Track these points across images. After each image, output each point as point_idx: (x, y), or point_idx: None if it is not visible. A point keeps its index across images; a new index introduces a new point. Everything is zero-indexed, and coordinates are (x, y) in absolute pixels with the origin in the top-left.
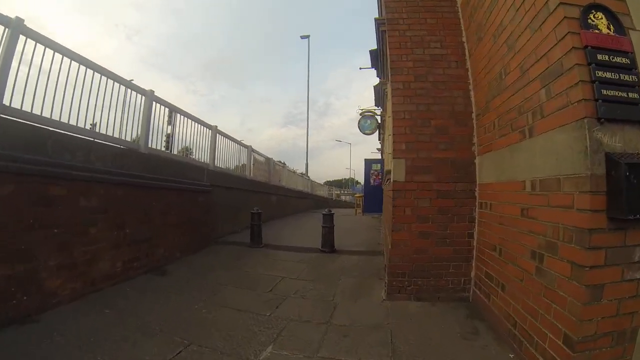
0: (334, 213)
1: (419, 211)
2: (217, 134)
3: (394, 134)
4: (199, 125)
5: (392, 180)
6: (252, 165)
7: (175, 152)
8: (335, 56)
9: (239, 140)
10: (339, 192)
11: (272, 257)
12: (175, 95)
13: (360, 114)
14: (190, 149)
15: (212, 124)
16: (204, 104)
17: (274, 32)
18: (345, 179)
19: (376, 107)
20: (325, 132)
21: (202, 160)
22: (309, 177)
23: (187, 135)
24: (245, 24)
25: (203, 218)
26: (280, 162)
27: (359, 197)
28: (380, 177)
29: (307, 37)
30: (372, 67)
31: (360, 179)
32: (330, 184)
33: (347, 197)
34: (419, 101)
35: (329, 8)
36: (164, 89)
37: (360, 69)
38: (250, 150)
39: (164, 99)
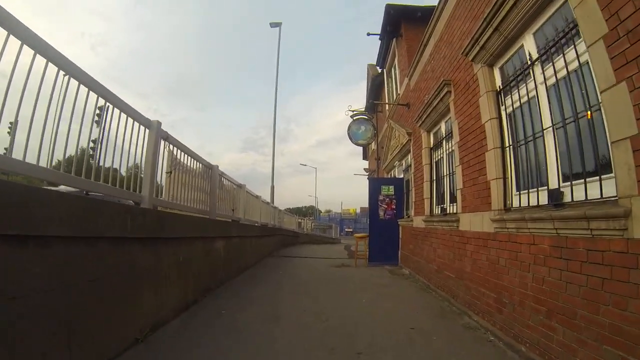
0: None
1: None
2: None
3: None
4: None
5: None
6: (159, 168)
7: None
8: (296, 83)
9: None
10: (301, 220)
11: None
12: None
13: (352, 117)
14: None
15: None
16: (165, 124)
17: (237, 53)
18: (305, 207)
19: (367, 113)
20: (285, 158)
21: None
22: (275, 206)
23: None
24: (210, 45)
25: None
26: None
27: (360, 238)
28: (394, 206)
29: (279, 24)
30: (379, 35)
31: (325, 207)
32: (290, 211)
33: (309, 227)
34: None
35: (290, 35)
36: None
37: (368, 34)
38: (157, 130)
39: None
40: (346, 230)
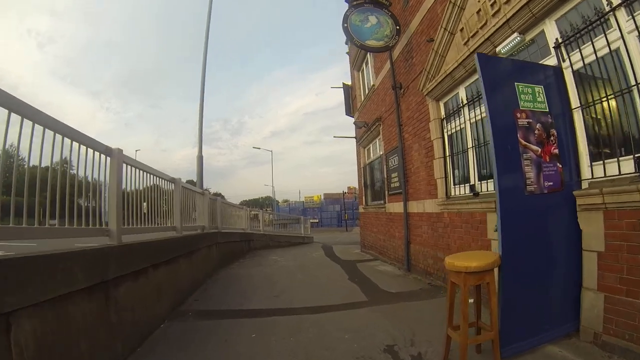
0: None
1: None
2: None
3: None
4: None
5: None
6: None
7: None
8: (249, 73)
9: None
10: (258, 212)
11: None
12: (87, 113)
13: (351, 3)
14: None
15: None
16: (118, 121)
17: (187, 44)
18: (262, 197)
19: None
20: (239, 151)
21: None
22: (206, 190)
23: None
24: (165, 36)
25: None
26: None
27: (472, 275)
28: (556, 148)
29: None
30: None
31: (282, 197)
32: (246, 204)
33: (267, 220)
34: None
35: (245, 24)
36: (75, 105)
37: None
38: None
39: None
40: (311, 221)
